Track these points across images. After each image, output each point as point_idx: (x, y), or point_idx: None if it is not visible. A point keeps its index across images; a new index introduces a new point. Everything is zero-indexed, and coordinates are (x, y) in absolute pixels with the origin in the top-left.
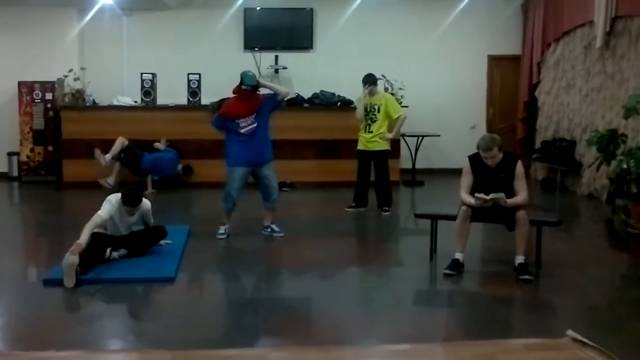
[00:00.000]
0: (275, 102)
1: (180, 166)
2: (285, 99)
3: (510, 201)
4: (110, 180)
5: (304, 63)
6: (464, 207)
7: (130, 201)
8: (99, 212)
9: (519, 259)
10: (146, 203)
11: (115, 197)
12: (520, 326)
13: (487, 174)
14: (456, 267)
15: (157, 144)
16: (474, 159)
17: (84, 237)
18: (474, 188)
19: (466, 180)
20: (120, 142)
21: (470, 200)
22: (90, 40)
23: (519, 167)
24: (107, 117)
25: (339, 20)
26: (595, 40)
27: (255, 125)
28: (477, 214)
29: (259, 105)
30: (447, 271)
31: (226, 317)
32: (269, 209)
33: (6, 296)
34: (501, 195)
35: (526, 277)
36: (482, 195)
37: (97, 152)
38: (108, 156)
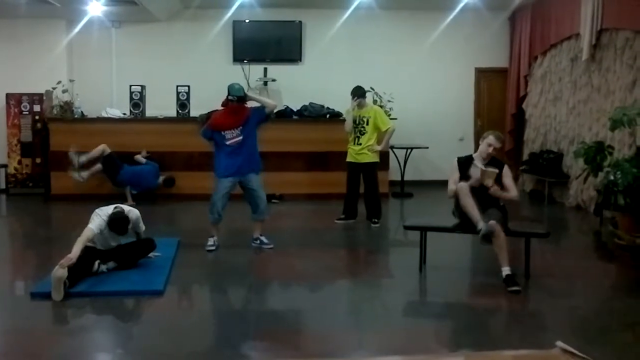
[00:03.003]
0: (263, 115)
1: (161, 178)
2: (274, 111)
3: (504, 195)
4: (84, 175)
5: (293, 75)
6: (460, 184)
7: (116, 228)
8: (90, 226)
9: (505, 271)
10: (134, 212)
11: (104, 211)
12: (510, 337)
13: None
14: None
15: (137, 157)
16: (464, 161)
17: (75, 251)
18: None
19: (455, 175)
20: (101, 149)
21: (463, 183)
22: (79, 52)
23: (506, 168)
24: (95, 129)
25: (328, 32)
26: (582, 52)
27: (241, 138)
28: (465, 225)
29: (246, 118)
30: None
31: (215, 329)
32: (258, 220)
33: None
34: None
35: (515, 288)
36: (480, 165)
37: (72, 152)
38: (83, 158)
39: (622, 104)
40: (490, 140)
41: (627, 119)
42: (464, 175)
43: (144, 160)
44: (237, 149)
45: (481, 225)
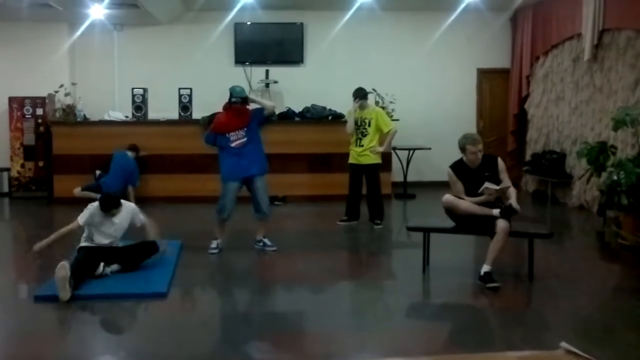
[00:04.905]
0: (262, 117)
1: (129, 153)
2: (274, 113)
3: (511, 194)
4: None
5: (295, 77)
6: (445, 198)
7: (104, 206)
8: (77, 218)
9: (485, 268)
10: (129, 205)
11: (94, 204)
12: (514, 338)
13: (472, 176)
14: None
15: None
16: (457, 167)
17: (49, 239)
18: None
19: (458, 186)
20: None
21: (471, 200)
22: (81, 55)
23: (501, 163)
24: (98, 132)
25: (329, 34)
26: (584, 53)
27: (245, 139)
28: (464, 225)
29: (249, 120)
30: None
31: (218, 332)
32: (261, 220)
33: None
34: (505, 185)
35: (493, 284)
36: (491, 185)
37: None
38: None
39: (624, 103)
40: (471, 149)
41: (629, 119)
42: (466, 183)
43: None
44: (241, 151)
45: (496, 211)
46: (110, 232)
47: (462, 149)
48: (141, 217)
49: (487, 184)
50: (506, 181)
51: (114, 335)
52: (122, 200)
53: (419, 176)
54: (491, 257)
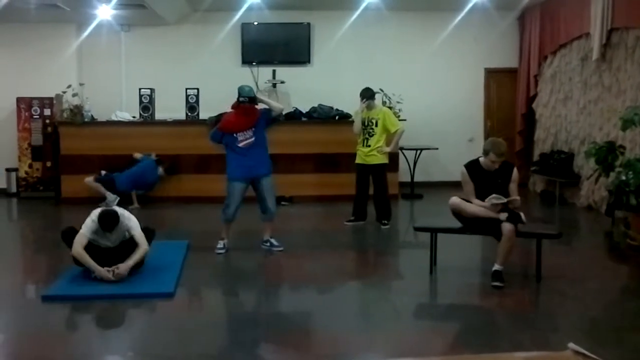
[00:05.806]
0: (269, 117)
1: (161, 169)
2: (281, 114)
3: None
4: (134, 205)
5: (302, 77)
6: (451, 200)
7: (105, 225)
8: (82, 231)
9: (496, 267)
10: (129, 219)
11: (96, 213)
12: (521, 339)
13: (486, 179)
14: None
15: (135, 154)
16: (472, 167)
17: (91, 264)
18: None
19: (469, 187)
20: (92, 183)
21: (479, 203)
22: (89, 56)
23: (516, 173)
24: (105, 132)
25: (336, 34)
26: (592, 52)
27: (253, 139)
28: (471, 226)
29: (257, 120)
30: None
31: (226, 332)
32: (267, 221)
33: (5, 313)
34: (512, 198)
35: (497, 283)
36: (498, 200)
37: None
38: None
39: (633, 103)
40: (492, 157)
41: (638, 119)
42: (478, 184)
43: (139, 155)
44: (248, 151)
45: (503, 215)
46: (106, 243)
47: (486, 152)
48: (134, 227)
49: (493, 197)
50: (513, 193)
51: (121, 335)
52: (119, 211)
53: (426, 176)
54: (501, 257)
